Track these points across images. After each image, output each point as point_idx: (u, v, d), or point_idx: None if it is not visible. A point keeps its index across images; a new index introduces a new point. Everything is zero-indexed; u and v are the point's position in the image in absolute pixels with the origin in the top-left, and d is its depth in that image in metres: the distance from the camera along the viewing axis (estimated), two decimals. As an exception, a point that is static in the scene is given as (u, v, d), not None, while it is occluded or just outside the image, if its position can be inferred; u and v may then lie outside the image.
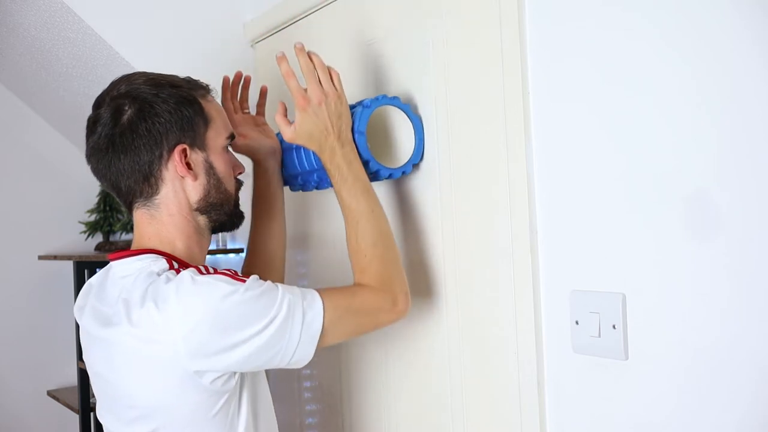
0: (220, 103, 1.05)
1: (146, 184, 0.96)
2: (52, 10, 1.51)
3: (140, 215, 0.98)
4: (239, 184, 1.07)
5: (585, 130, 0.90)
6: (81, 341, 1.02)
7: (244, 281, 0.89)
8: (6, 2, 1.64)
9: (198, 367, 0.86)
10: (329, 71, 1.05)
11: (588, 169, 0.89)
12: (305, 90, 1.03)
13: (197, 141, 0.97)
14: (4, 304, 2.38)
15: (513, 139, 0.97)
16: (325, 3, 1.34)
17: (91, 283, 1.03)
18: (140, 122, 0.93)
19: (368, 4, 1.25)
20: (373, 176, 1.10)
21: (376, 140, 1.12)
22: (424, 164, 1.13)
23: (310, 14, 1.40)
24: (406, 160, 1.11)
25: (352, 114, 1.08)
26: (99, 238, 2.53)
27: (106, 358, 0.94)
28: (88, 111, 0.99)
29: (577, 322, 0.90)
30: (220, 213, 1.01)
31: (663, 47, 0.81)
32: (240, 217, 1.07)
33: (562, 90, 0.92)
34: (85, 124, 0.99)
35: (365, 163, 1.07)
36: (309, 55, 1.05)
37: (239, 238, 1.83)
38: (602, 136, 0.88)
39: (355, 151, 1.05)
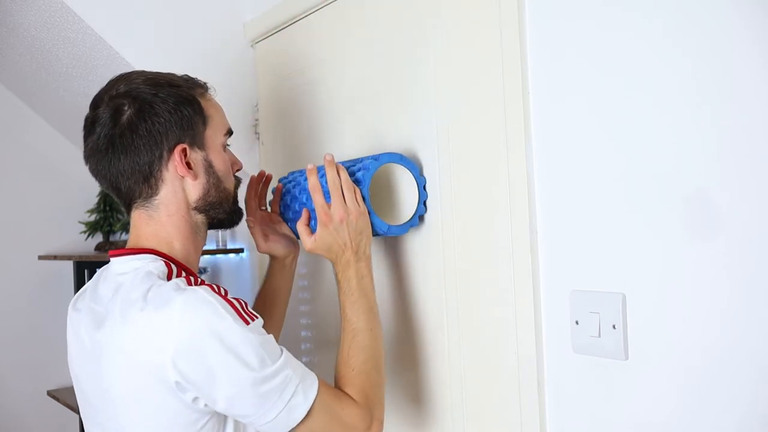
0: (218, 102, 1.05)
1: (146, 185, 0.96)
2: (52, 10, 1.51)
3: (138, 215, 0.98)
4: (237, 181, 1.07)
5: (585, 130, 0.90)
6: (69, 347, 1.00)
7: (249, 323, 0.87)
8: (6, 2, 1.64)
9: (179, 383, 0.84)
10: (354, 189, 1.04)
11: (588, 169, 0.89)
12: (329, 206, 1.02)
13: (197, 140, 0.97)
14: (4, 304, 2.38)
15: (513, 139, 0.97)
16: (325, 3, 1.34)
17: (86, 287, 1.02)
18: (140, 122, 0.93)
19: (368, 4, 1.25)
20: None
21: (379, 198, 1.13)
22: (424, 166, 1.13)
23: (310, 14, 1.40)
24: (405, 220, 1.11)
25: (362, 160, 1.09)
26: (99, 238, 2.53)
27: (94, 363, 0.93)
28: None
29: (577, 322, 0.90)
30: (219, 211, 1.02)
31: (663, 47, 0.81)
32: (238, 214, 1.07)
33: (562, 90, 0.92)
34: None
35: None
36: (337, 168, 1.04)
37: (239, 237, 1.83)
38: (602, 136, 0.88)
39: (371, 266, 1.06)
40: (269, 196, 1.24)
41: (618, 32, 0.85)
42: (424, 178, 1.12)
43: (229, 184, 1.03)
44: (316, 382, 0.91)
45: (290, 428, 0.89)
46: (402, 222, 1.11)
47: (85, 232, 2.45)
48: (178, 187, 0.97)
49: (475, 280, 1.05)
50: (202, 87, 1.01)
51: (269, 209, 1.23)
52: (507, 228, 0.98)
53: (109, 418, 0.93)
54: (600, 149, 0.88)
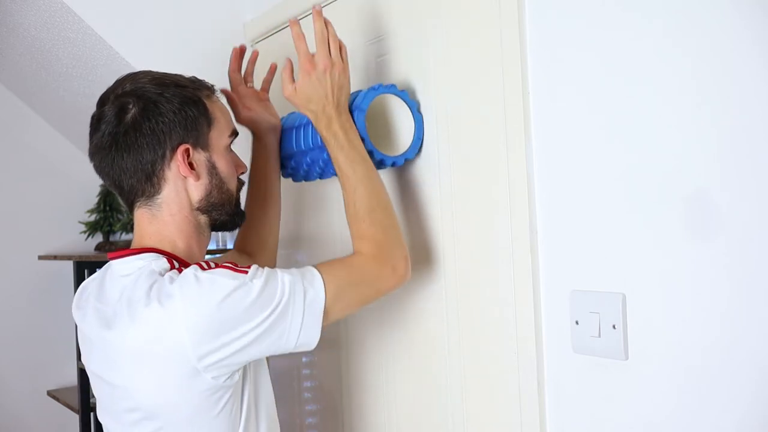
0: (224, 104, 1.05)
1: (149, 184, 0.96)
2: (52, 10, 1.51)
3: (141, 214, 0.98)
4: (240, 183, 1.07)
5: (585, 130, 0.90)
6: (80, 344, 1.02)
7: (246, 272, 0.89)
8: (6, 2, 1.64)
9: (203, 360, 0.86)
10: (339, 44, 1.06)
11: (588, 169, 0.89)
12: (313, 55, 1.04)
13: (200, 141, 0.97)
14: (4, 304, 2.38)
15: (513, 139, 0.97)
16: (326, 3, 1.34)
17: (88, 284, 1.03)
18: (144, 121, 0.93)
19: (368, 4, 1.25)
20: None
21: (375, 129, 1.13)
22: (424, 165, 1.13)
23: (310, 14, 1.40)
24: (404, 150, 1.12)
25: (358, 92, 1.09)
26: (99, 238, 2.53)
27: (107, 361, 0.94)
28: (88, 111, 0.99)
29: (577, 322, 0.90)
30: (221, 212, 1.02)
31: (663, 47, 0.81)
32: (241, 216, 1.07)
33: (562, 90, 0.92)
34: (85, 123, 0.99)
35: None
36: (325, 21, 1.06)
37: (239, 238, 1.83)
38: (602, 136, 0.88)
39: (351, 121, 1.06)
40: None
41: (618, 32, 0.85)
42: (422, 120, 1.12)
43: (232, 185, 1.03)
44: (315, 269, 0.94)
45: (322, 321, 0.91)
46: (395, 155, 1.10)
47: (85, 232, 2.45)
48: (180, 187, 0.97)
49: (475, 280, 1.05)
50: (209, 89, 1.02)
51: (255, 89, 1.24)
52: (507, 228, 0.98)
53: (127, 411, 0.93)
54: (600, 149, 0.88)
